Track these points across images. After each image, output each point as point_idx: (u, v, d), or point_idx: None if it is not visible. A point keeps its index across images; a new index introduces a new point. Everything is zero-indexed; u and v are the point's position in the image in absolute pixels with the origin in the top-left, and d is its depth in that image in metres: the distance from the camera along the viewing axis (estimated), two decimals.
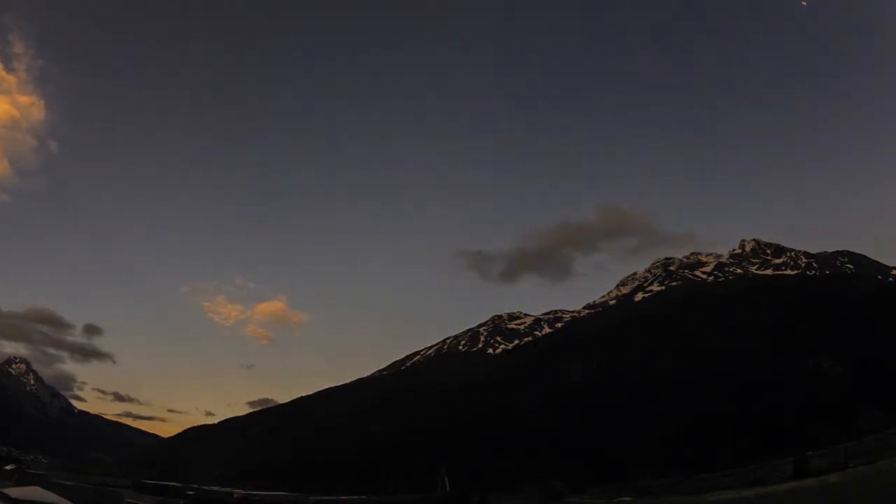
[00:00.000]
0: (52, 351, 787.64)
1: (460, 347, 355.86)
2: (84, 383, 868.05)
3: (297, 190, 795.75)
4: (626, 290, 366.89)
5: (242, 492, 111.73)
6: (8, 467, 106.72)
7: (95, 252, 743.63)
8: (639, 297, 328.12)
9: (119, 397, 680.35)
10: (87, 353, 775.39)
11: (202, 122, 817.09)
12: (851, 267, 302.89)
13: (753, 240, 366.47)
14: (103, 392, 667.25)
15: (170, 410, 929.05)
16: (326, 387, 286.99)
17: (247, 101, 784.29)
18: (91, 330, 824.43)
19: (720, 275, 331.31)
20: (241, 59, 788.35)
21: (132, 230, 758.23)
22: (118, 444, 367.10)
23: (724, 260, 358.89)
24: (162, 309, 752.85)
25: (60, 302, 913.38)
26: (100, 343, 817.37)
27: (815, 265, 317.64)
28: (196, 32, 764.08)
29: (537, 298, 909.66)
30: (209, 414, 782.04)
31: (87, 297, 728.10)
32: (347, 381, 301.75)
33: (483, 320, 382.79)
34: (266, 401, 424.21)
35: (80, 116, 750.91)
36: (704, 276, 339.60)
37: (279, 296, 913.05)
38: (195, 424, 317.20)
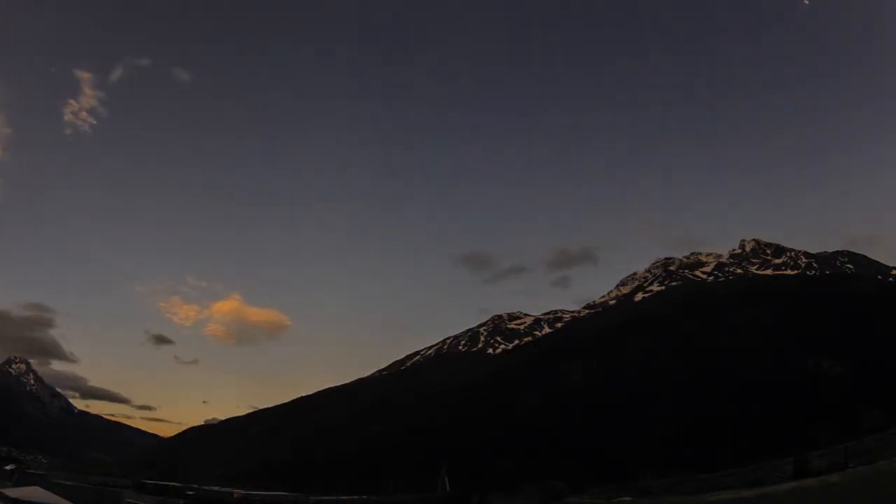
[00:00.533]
0: None
1: (460, 347, 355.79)
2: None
3: (293, 189, 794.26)
4: (626, 290, 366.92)
5: (242, 492, 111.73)
6: (8, 467, 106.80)
7: (52, 253, 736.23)
8: (639, 297, 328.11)
9: (84, 395, 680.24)
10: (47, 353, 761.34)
11: (146, 119, 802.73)
12: (851, 267, 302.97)
13: (753, 240, 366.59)
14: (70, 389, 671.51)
15: (141, 406, 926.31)
16: (326, 387, 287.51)
17: (201, 96, 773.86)
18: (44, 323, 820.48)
19: (720, 275, 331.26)
20: (227, 56, 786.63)
21: (83, 231, 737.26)
22: (118, 444, 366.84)
23: (724, 260, 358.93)
24: (117, 309, 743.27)
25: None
26: (61, 342, 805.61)
27: (815, 265, 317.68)
28: (122, 31, 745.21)
29: (537, 298, 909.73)
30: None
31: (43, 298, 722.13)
32: (347, 381, 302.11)
33: (483, 320, 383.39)
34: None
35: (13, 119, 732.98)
36: (704, 276, 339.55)
37: (234, 293, 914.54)
38: (194, 424, 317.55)
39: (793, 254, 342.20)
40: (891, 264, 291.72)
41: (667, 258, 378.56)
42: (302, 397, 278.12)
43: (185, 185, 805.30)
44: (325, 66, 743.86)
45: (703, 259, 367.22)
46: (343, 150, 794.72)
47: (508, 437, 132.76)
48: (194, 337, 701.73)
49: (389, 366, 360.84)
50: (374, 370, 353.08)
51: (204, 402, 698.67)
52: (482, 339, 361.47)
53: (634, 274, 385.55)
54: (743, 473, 67.84)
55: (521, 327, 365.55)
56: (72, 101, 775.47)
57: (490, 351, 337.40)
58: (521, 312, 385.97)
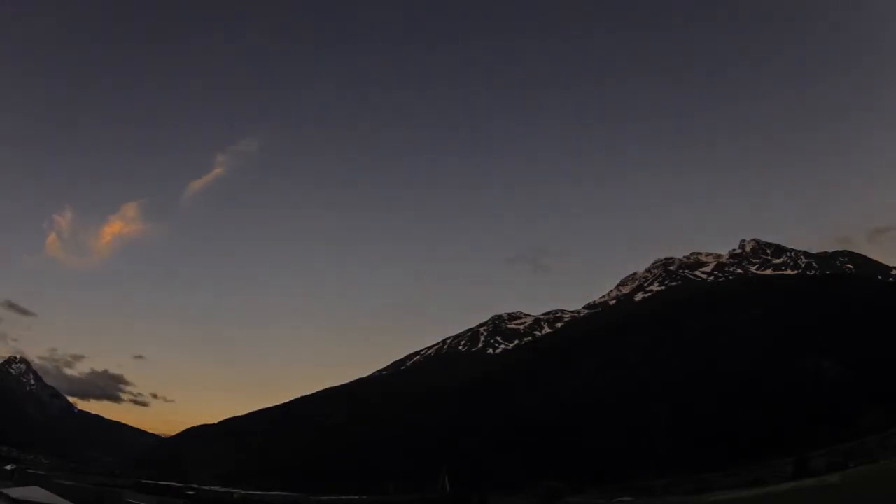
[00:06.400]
0: None
1: (460, 347, 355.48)
2: None
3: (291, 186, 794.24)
4: (626, 290, 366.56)
5: (242, 492, 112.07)
6: (8, 467, 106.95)
7: None
8: (639, 297, 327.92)
9: None
10: None
11: None
12: (851, 267, 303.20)
13: (753, 240, 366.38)
14: None
15: None
16: (326, 387, 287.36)
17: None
18: None
19: (720, 275, 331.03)
20: None
21: None
22: (118, 444, 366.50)
23: (724, 260, 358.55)
24: None
25: None
26: None
27: (815, 265, 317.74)
28: None
29: (537, 298, 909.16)
30: None
31: None
32: (347, 381, 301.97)
33: (483, 320, 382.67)
34: None
35: None
36: (704, 276, 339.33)
37: None
38: (195, 424, 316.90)
39: (793, 254, 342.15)
40: (891, 264, 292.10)
41: (667, 258, 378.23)
42: (302, 397, 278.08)
43: None
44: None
45: (703, 259, 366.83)
46: (344, 149, 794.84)
47: (508, 437, 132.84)
48: None
49: (389, 366, 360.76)
50: (374, 370, 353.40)
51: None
52: (482, 339, 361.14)
53: (634, 274, 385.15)
54: (743, 473, 68.02)
55: (521, 327, 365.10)
56: None
57: (490, 351, 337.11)
58: (521, 312, 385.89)
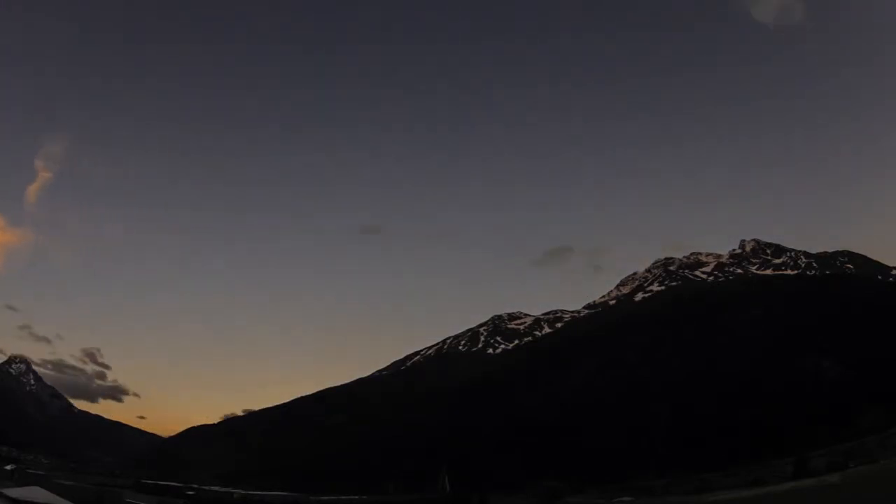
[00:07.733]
0: None
1: (460, 347, 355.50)
2: None
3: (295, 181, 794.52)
4: (625, 290, 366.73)
5: (242, 492, 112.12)
6: (8, 467, 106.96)
7: None
8: (639, 297, 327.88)
9: None
10: None
11: None
12: (851, 267, 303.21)
13: (753, 240, 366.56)
14: None
15: None
16: (326, 387, 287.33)
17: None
18: None
19: (720, 275, 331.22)
20: None
21: None
22: (118, 444, 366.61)
23: (724, 260, 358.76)
24: None
25: None
26: None
27: (815, 265, 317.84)
28: None
29: (537, 298, 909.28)
30: None
31: None
32: (347, 381, 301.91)
33: (483, 320, 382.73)
34: None
35: None
36: (704, 276, 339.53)
37: None
38: (195, 424, 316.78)
39: (793, 254, 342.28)
40: (891, 264, 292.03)
41: (667, 258, 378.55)
42: (302, 397, 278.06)
43: None
44: None
45: (703, 259, 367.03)
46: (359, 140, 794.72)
47: (508, 437, 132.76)
48: None
49: (389, 366, 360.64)
50: (374, 370, 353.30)
51: None
52: (482, 339, 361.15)
53: (634, 274, 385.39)
54: (743, 473, 68.03)
55: (521, 327, 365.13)
56: None
57: (490, 351, 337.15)
58: (520, 312, 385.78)
